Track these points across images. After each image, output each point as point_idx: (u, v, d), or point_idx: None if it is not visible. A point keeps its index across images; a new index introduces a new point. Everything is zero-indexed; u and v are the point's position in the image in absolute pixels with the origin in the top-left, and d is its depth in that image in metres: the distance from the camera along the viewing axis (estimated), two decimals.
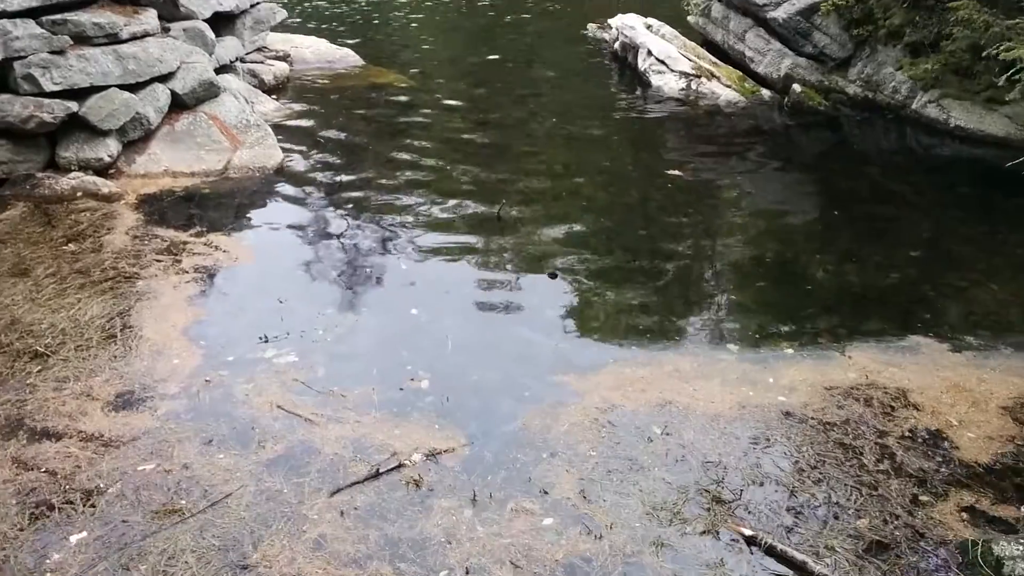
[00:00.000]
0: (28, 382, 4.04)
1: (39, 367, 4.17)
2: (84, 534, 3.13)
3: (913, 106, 9.04)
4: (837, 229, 6.42)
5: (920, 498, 3.48)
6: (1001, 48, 6.93)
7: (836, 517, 3.36)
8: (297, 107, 9.23)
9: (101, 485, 3.38)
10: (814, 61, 10.04)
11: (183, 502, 3.30)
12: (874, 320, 5.01)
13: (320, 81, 10.49)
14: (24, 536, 3.12)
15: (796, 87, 9.81)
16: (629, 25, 11.93)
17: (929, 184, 7.64)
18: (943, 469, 3.66)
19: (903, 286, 5.47)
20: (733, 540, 3.22)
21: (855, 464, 3.67)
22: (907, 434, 3.89)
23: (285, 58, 10.81)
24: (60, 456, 3.54)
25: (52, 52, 6.34)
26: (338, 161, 7.58)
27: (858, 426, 3.93)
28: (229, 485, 3.40)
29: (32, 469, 3.46)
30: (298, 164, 7.45)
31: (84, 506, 3.27)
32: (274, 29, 10.97)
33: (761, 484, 3.53)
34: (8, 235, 5.63)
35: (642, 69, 11.00)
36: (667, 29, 11.67)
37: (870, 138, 9.05)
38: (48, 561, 3.01)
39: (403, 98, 9.88)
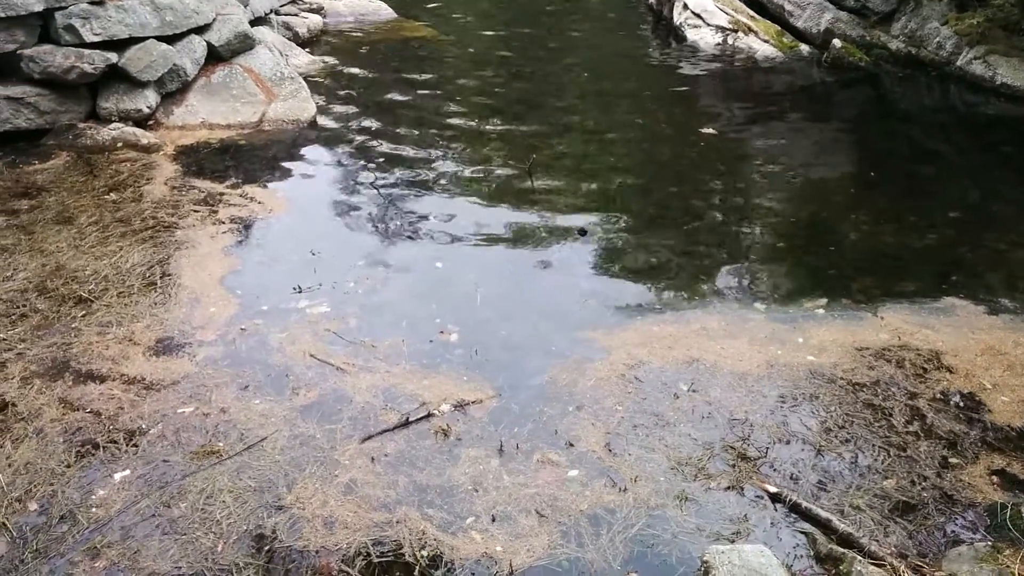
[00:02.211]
0: (73, 326, 4.17)
1: (83, 312, 4.29)
2: (127, 472, 3.26)
3: (958, 62, 8.80)
4: (874, 188, 6.32)
5: (950, 460, 3.48)
6: None
7: (863, 477, 3.37)
8: (330, 60, 9.22)
9: (143, 426, 3.50)
10: (856, 15, 9.79)
11: (221, 444, 3.41)
12: (908, 281, 4.95)
13: (353, 34, 10.45)
14: (71, 473, 3.24)
15: (836, 42, 9.58)
16: None
17: (971, 143, 7.47)
18: (974, 432, 3.65)
19: (940, 247, 5.40)
20: (758, 496, 3.25)
21: (884, 425, 3.67)
22: (939, 396, 3.87)
23: (319, 10, 10.77)
24: (104, 397, 3.67)
25: (92, 3, 6.39)
26: (370, 114, 7.59)
27: (888, 387, 3.92)
28: (264, 429, 3.50)
29: (78, 409, 3.59)
30: (331, 117, 7.47)
31: (127, 445, 3.39)
32: None
33: (787, 442, 3.55)
34: (53, 184, 5.75)
35: (677, 23, 10.79)
36: None
37: (912, 95, 8.84)
38: (93, 497, 3.13)
39: (436, 52, 9.82)
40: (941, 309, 4.62)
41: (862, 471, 3.41)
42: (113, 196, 5.60)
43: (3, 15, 6.02)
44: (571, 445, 3.48)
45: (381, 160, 6.57)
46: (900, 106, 8.61)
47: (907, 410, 3.77)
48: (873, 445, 3.55)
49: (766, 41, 10.02)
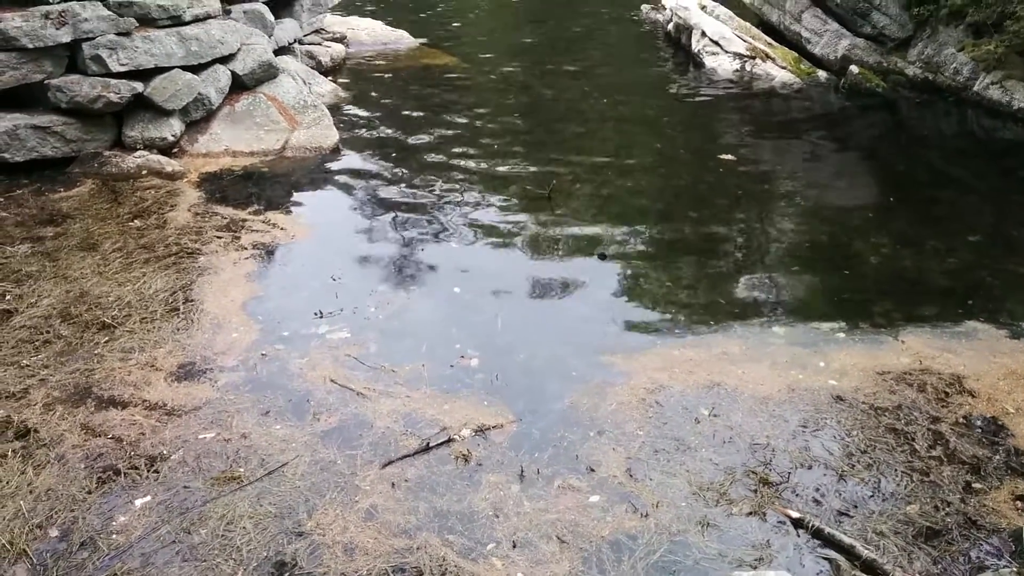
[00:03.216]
0: (96, 352, 4.22)
1: (107, 338, 4.34)
2: (148, 498, 3.27)
3: (975, 88, 8.78)
4: (893, 213, 6.29)
5: (973, 485, 3.43)
6: None
7: (886, 502, 3.34)
8: (353, 88, 9.35)
9: (164, 452, 3.52)
10: (872, 42, 9.81)
11: (241, 470, 3.42)
12: (929, 305, 4.92)
13: (376, 62, 10.60)
14: (92, 499, 3.26)
15: (853, 68, 9.60)
16: (683, 6, 11.79)
17: (990, 168, 7.43)
18: (998, 457, 3.60)
19: (960, 271, 5.36)
20: (780, 522, 3.22)
21: (907, 450, 3.63)
22: (961, 421, 3.83)
23: (342, 40, 10.94)
24: (126, 423, 3.69)
25: (119, 34, 6.53)
26: (392, 141, 7.67)
27: (911, 412, 3.88)
28: (285, 455, 3.51)
29: (100, 435, 3.61)
30: (353, 144, 7.56)
31: (148, 471, 3.41)
32: (332, 11, 11.10)
33: (809, 467, 3.52)
34: (78, 211, 5.85)
35: (695, 50, 10.86)
36: (722, 10, 11.51)
37: (929, 121, 8.83)
38: (114, 523, 3.14)
39: (456, 79, 9.93)
40: (962, 333, 4.58)
41: (885, 496, 3.37)
42: (137, 223, 5.68)
43: (31, 46, 6.17)
44: (592, 470, 3.46)
45: (402, 185, 6.63)
46: (918, 131, 8.60)
47: (930, 435, 3.73)
48: (896, 470, 3.51)
49: (783, 67, 10.06)
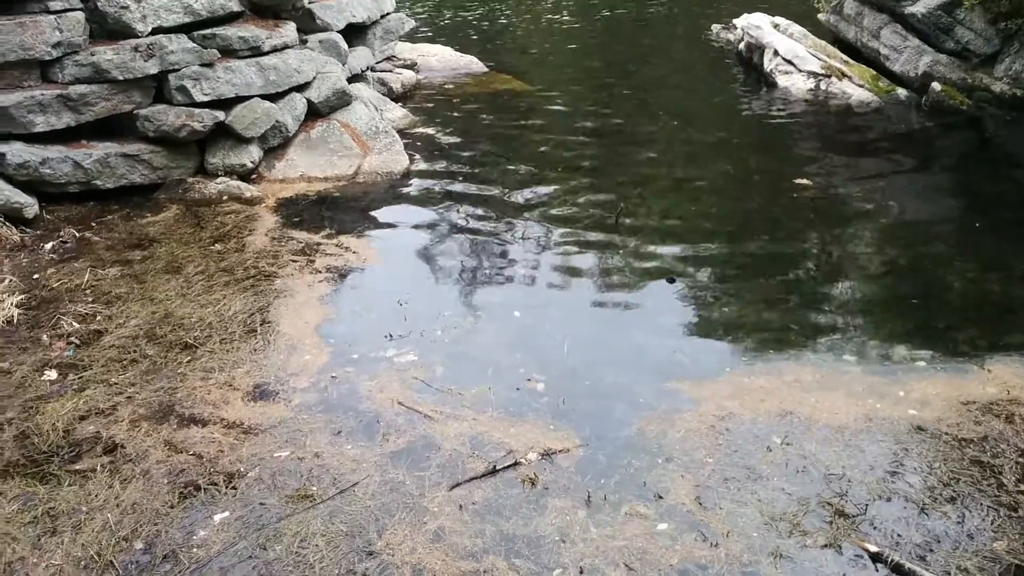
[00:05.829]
0: (179, 371, 4.39)
1: (189, 358, 4.51)
2: (226, 514, 3.38)
3: None
4: (979, 236, 6.05)
5: None
6: None
7: (971, 538, 3.20)
8: (423, 114, 9.53)
9: (241, 469, 3.64)
10: (956, 58, 9.49)
11: (314, 488, 3.50)
12: (1018, 332, 4.71)
13: (445, 88, 10.79)
14: (174, 513, 3.39)
15: (935, 85, 9.30)
16: (755, 25, 11.65)
17: None
18: None
19: None
20: (857, 556, 3.12)
21: (993, 483, 3.48)
22: None
23: (412, 66, 11.17)
24: (206, 441, 3.83)
25: (202, 65, 6.82)
26: (460, 166, 7.78)
27: (997, 443, 3.72)
28: (356, 475, 3.58)
29: (181, 452, 3.76)
30: (423, 169, 7.69)
31: (227, 488, 3.52)
32: (403, 38, 11.36)
33: (888, 500, 3.41)
34: (163, 235, 6.11)
35: (768, 70, 10.71)
36: (795, 28, 11.32)
37: (1018, 139, 8.47)
38: (195, 537, 3.26)
39: (524, 103, 10.02)
40: None
41: (970, 531, 3.23)
42: (218, 247, 5.90)
43: (122, 78, 6.50)
44: (660, 497, 3.42)
45: (470, 209, 6.71)
46: (1006, 150, 8.27)
47: (1018, 468, 3.57)
48: (981, 504, 3.37)
49: (861, 86, 9.82)
